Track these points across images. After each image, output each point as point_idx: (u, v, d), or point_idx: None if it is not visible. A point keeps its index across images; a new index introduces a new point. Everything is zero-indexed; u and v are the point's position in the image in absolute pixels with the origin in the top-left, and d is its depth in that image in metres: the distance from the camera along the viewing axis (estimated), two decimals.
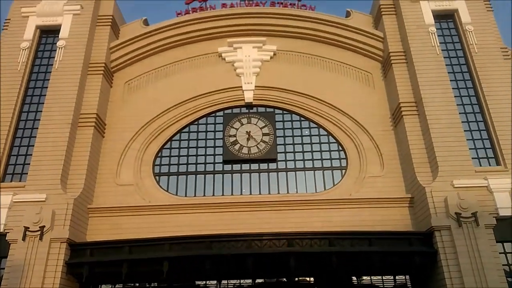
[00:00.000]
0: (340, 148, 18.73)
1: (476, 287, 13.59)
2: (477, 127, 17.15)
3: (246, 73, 19.82)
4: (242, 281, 17.05)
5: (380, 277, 17.02)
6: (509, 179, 15.43)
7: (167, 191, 17.94)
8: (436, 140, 16.34)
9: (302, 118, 19.46)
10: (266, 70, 19.99)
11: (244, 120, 19.40)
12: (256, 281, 16.84)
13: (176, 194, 17.87)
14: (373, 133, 18.41)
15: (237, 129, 19.11)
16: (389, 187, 17.28)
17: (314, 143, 18.90)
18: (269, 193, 17.79)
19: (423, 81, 17.62)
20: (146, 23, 21.26)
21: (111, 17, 20.39)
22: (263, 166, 18.47)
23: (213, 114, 19.71)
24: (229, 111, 19.77)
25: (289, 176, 18.19)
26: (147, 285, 17.36)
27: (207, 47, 20.70)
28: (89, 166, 17.06)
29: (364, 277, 17.13)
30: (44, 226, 14.69)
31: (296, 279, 17.28)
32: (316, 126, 19.27)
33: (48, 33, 19.84)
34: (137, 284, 17.31)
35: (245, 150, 18.59)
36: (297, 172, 18.24)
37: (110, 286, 16.86)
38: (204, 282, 17.20)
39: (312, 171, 18.23)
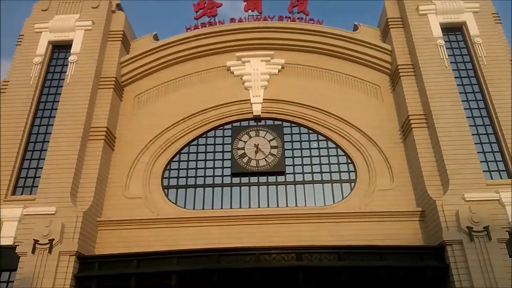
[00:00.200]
0: (349, 161, 18.63)
1: None
2: (487, 140, 16.96)
3: (254, 86, 19.94)
4: None
5: None
6: None
7: (175, 204, 17.95)
8: (446, 152, 16.17)
9: (310, 131, 19.44)
10: (274, 83, 20.10)
11: (253, 133, 19.44)
12: None
13: (184, 207, 17.87)
14: (382, 145, 18.31)
15: (245, 142, 19.15)
16: (399, 201, 17.09)
17: (322, 156, 18.83)
18: (278, 206, 17.69)
19: (432, 93, 17.54)
20: (156, 38, 21.60)
21: (122, 32, 20.77)
22: (272, 179, 18.42)
23: (222, 127, 19.79)
24: (237, 124, 19.84)
25: (298, 189, 18.10)
26: None
27: (216, 61, 20.92)
28: (99, 179, 17.16)
29: None
30: (53, 239, 14.74)
31: None
32: (324, 138, 19.23)
33: (60, 48, 20.23)
34: None
35: (253, 163, 18.59)
36: (305, 185, 18.15)
37: None
38: None
39: (321, 184, 18.13)
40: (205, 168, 18.80)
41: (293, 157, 18.85)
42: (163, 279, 14.54)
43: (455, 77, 18.12)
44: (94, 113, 18.50)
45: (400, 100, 18.99)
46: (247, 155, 18.78)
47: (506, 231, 14.50)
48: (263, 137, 19.25)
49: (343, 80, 20.19)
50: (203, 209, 17.80)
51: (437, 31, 19.19)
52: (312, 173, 18.42)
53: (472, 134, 16.75)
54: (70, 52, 19.63)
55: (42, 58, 19.48)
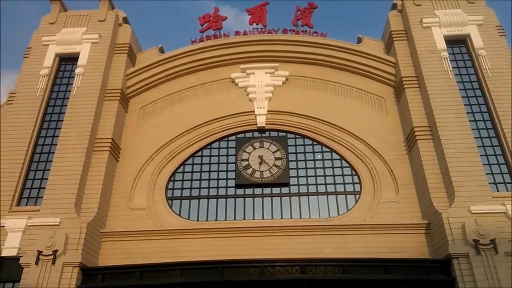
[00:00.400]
0: (354, 173, 18.55)
1: None
2: (493, 152, 16.85)
3: (259, 98, 20.02)
4: None
5: None
6: None
7: (179, 215, 17.91)
8: (451, 164, 16.07)
9: (315, 142, 19.43)
10: (278, 95, 20.19)
11: (257, 144, 19.46)
12: None
13: (188, 219, 17.82)
14: (387, 157, 18.24)
15: (249, 153, 19.16)
16: (405, 213, 16.94)
17: (327, 168, 18.78)
18: (282, 218, 17.59)
19: (437, 105, 17.53)
20: (162, 50, 21.83)
21: (128, 45, 21.03)
22: (276, 190, 18.36)
23: (226, 139, 19.83)
24: (241, 135, 19.88)
25: (302, 200, 18.01)
26: None
27: (221, 73, 21.07)
28: (103, 190, 17.19)
29: None
30: (57, 250, 14.72)
31: None
32: (328, 150, 19.20)
33: (67, 61, 20.48)
34: None
35: (257, 174, 18.57)
36: (310, 196, 18.06)
37: None
38: None
39: (325, 196, 18.04)
40: (209, 180, 18.79)
41: (297, 168, 18.81)
42: None
43: (459, 89, 18.11)
44: (100, 125, 18.63)
45: (404, 112, 18.98)
46: (251, 167, 18.77)
47: None
48: (267, 149, 19.25)
49: (348, 92, 20.24)
50: (207, 220, 17.74)
51: (441, 44, 19.25)
52: (316, 184, 18.34)
53: (478, 146, 16.66)
54: (76, 64, 19.86)
55: (49, 70, 19.72)
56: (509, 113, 17.12)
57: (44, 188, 16.66)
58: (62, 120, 18.30)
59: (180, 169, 19.16)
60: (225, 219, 17.75)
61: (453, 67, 18.79)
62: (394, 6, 21.58)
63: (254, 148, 19.33)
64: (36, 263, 14.60)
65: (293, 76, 20.69)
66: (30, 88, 19.14)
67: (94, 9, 21.65)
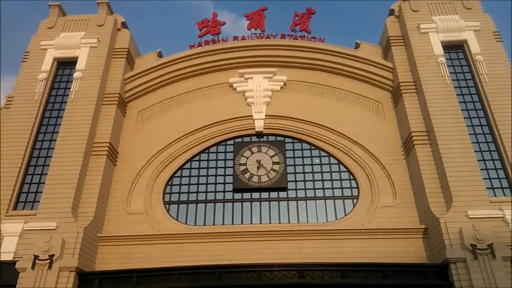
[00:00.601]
0: (351, 177, 18.56)
1: None
2: (490, 157, 16.91)
3: (257, 103, 20.06)
4: None
5: None
6: None
7: (176, 219, 17.86)
8: (449, 169, 16.11)
9: (313, 147, 19.46)
10: (276, 100, 20.23)
11: (255, 149, 19.47)
12: None
13: (186, 223, 17.77)
14: (385, 162, 18.27)
15: (247, 158, 19.17)
16: (402, 218, 16.95)
17: (324, 172, 18.79)
18: (279, 222, 17.57)
19: (434, 110, 17.59)
20: (160, 55, 21.89)
21: (126, 50, 21.08)
22: (273, 194, 18.34)
23: (224, 143, 19.84)
24: (239, 139, 19.90)
25: (300, 205, 17.99)
26: None
27: (219, 78, 21.12)
28: (100, 195, 17.14)
29: None
30: (53, 255, 14.64)
31: None
32: (326, 154, 19.22)
33: (65, 65, 20.51)
34: None
35: (255, 179, 18.55)
36: (307, 201, 18.06)
37: None
38: None
39: (323, 200, 18.04)
40: (206, 184, 18.77)
41: (295, 173, 18.82)
42: None
43: (456, 94, 18.20)
44: (97, 129, 18.62)
45: (402, 117, 19.04)
46: (249, 171, 18.77)
47: (511, 249, 14.30)
48: (265, 153, 19.26)
49: (345, 97, 20.30)
50: (204, 225, 17.70)
51: (438, 49, 19.36)
52: (314, 189, 18.34)
53: (475, 151, 16.71)
54: (75, 68, 19.88)
55: (47, 75, 19.74)
56: (506, 118, 17.20)
57: (41, 192, 16.61)
58: (60, 124, 18.28)
59: (178, 173, 19.13)
60: (223, 224, 17.71)
61: (450, 73, 18.89)
62: (391, 12, 21.72)
63: (252, 153, 19.34)
64: (33, 267, 14.50)
65: (291, 81, 20.76)
66: (28, 92, 19.14)
67: (93, 14, 21.75)
